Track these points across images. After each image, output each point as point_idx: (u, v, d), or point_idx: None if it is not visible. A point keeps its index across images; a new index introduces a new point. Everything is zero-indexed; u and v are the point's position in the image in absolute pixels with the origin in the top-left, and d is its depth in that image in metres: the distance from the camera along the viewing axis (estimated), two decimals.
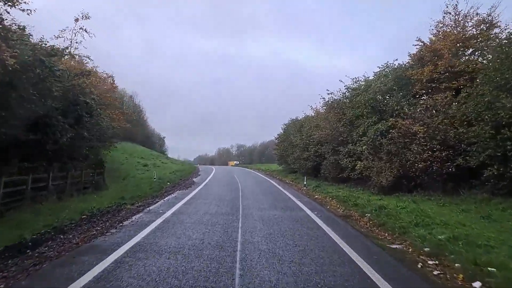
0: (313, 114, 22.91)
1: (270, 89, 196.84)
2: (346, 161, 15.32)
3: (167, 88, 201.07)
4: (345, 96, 16.77)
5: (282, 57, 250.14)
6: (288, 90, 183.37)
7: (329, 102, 17.87)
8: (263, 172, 31.96)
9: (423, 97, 13.84)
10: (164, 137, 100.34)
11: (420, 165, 11.17)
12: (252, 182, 19.50)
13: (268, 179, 22.25)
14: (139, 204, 9.73)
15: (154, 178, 15.80)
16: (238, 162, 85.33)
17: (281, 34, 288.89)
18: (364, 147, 13.91)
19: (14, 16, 8.72)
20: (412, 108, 12.92)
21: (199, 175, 24.43)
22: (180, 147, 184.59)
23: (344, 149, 15.72)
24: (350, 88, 16.25)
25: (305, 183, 16.57)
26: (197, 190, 14.03)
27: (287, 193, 13.53)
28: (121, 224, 6.84)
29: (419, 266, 4.42)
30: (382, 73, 15.11)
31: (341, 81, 16.98)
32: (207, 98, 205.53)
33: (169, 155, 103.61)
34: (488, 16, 12.56)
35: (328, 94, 17.66)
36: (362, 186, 15.14)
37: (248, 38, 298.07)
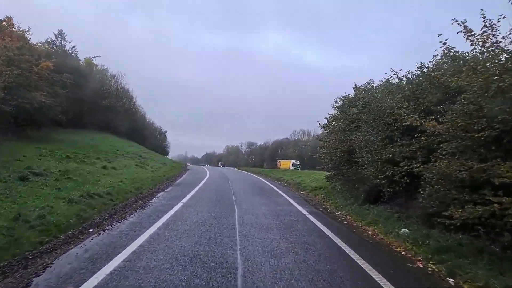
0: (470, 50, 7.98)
1: (279, 87, 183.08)
2: None
3: (173, 83, 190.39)
4: None
5: (290, 55, 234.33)
6: (297, 88, 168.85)
7: None
8: (294, 191, 17.13)
9: None
10: (165, 132, 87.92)
11: None
12: None
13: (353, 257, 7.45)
14: None
15: None
16: (298, 163, 57.96)
17: (289, 32, 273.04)
18: None
19: None
20: None
21: (145, 208, 9.93)
22: (188, 144, 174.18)
23: None
24: None
25: None
26: None
27: None
28: None
29: None
30: None
31: None
32: (214, 94, 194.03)
33: (170, 152, 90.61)
34: None
35: None
36: None
37: (255, 35, 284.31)
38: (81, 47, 48.84)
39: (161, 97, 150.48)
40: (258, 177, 27.42)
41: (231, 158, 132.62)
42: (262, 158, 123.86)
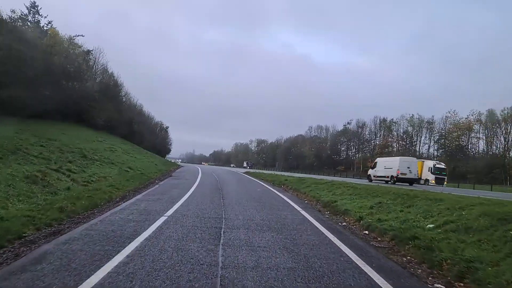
0: None
1: (285, 84, 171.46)
2: None
3: (179, 80, 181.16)
4: None
5: (295, 52, 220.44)
6: (303, 86, 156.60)
7: None
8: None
9: None
10: (167, 127, 77.61)
11: None
12: None
13: None
14: None
15: None
16: (444, 166, 36.45)
17: (294, 28, 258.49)
18: None
19: None
20: None
21: None
22: (196, 142, 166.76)
23: None
24: None
25: None
26: None
27: None
28: None
29: None
30: None
31: None
32: (220, 93, 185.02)
33: (174, 151, 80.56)
34: None
35: None
36: None
37: (263, 31, 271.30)
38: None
39: (167, 95, 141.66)
40: (285, 198, 14.75)
41: (240, 157, 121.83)
42: (273, 157, 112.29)
